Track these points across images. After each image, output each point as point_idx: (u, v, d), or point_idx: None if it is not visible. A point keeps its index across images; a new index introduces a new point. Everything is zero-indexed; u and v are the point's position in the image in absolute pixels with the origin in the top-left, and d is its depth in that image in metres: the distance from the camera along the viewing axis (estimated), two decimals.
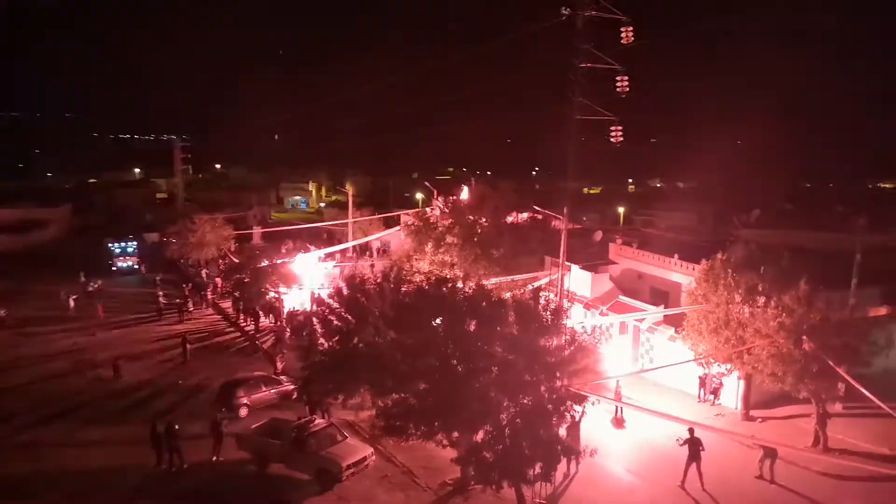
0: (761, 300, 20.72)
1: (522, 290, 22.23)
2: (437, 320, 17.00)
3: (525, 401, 15.78)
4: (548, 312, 16.63)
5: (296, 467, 19.10)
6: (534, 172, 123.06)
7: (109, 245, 53.56)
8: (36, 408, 24.16)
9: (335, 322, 19.88)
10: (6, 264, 50.50)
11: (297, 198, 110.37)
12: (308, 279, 35.70)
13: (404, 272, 22.58)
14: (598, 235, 39.62)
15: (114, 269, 51.53)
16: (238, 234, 53.13)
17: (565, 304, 21.94)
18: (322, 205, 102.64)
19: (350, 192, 49.93)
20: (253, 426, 20.76)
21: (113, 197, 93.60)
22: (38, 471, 19.36)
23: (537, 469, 15.18)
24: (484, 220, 35.52)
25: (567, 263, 28.57)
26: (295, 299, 35.34)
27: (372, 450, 19.76)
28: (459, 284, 17.98)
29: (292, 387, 24.46)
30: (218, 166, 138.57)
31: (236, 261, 41.86)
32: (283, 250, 45.68)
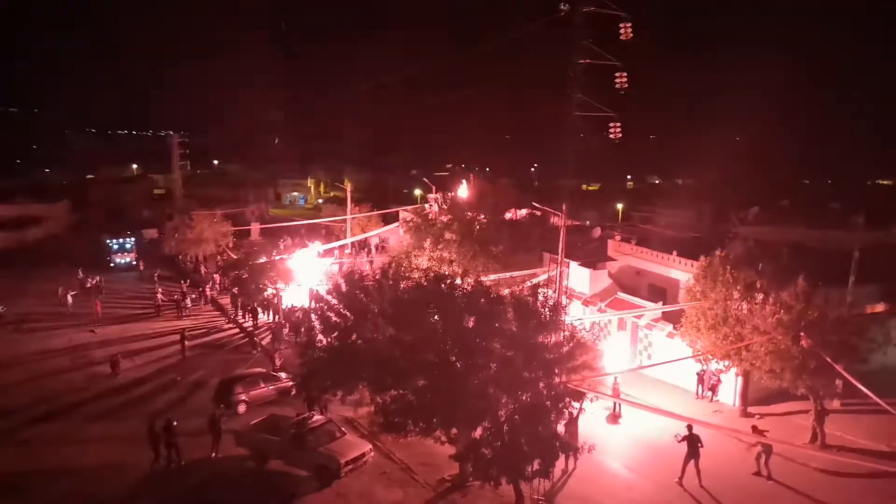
0: (759, 297, 20.75)
1: (521, 287, 22.23)
2: (436, 317, 16.99)
3: (523, 397, 15.80)
4: (546, 309, 16.64)
5: (294, 464, 19.11)
6: (532, 169, 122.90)
7: (107, 241, 53.46)
8: (34, 404, 24.15)
9: (333, 318, 19.86)
10: (4, 261, 50.41)
11: (296, 194, 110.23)
12: (306, 275, 35.63)
13: (403, 268, 22.55)
14: (597, 232, 39.64)
15: (112, 265, 51.46)
16: (236, 231, 53.05)
17: (564, 300, 21.96)
18: (320, 201, 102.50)
19: (348, 189, 49.76)
20: (251, 423, 20.78)
21: (110, 193, 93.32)
22: (36, 468, 19.35)
23: (536, 465, 15.21)
24: (483, 216, 35.52)
25: (566, 260, 28.56)
26: (293, 296, 35.30)
27: (370, 446, 19.78)
28: (458, 281, 17.97)
29: (291, 383, 24.46)
30: (216, 162, 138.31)
31: (234, 257, 41.80)
32: (281, 246, 45.59)
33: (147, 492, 18.34)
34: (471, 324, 16.46)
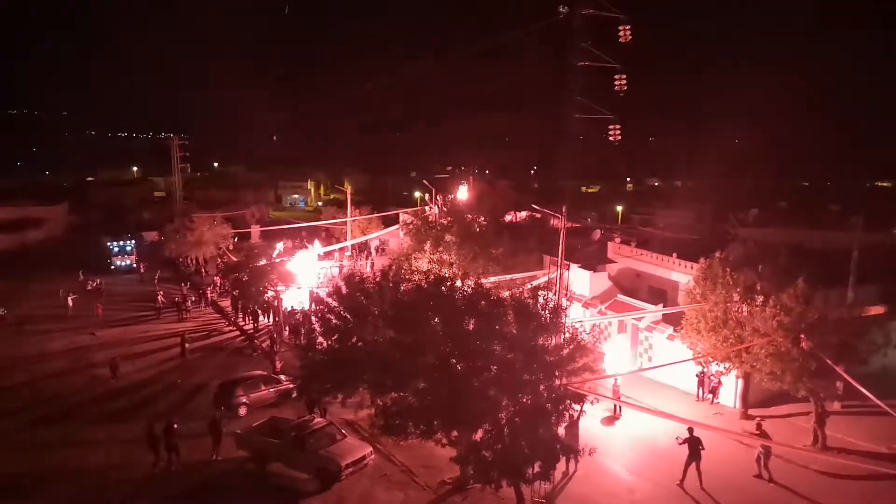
0: (759, 299, 20.76)
1: (521, 289, 22.24)
2: (436, 319, 17.00)
3: (524, 400, 15.79)
4: (546, 311, 16.65)
5: (295, 466, 19.10)
6: (532, 171, 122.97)
7: (108, 243, 53.48)
8: (34, 407, 24.17)
9: (334, 321, 19.88)
10: (4, 263, 50.44)
11: (296, 196, 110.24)
12: (306, 277, 35.66)
13: (403, 271, 22.59)
14: (597, 234, 39.65)
15: (112, 267, 51.47)
16: (237, 233, 53.09)
17: (564, 302, 21.95)
18: (319, 203, 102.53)
19: (348, 191, 49.80)
20: (252, 425, 20.78)
21: (111, 195, 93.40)
22: (35, 470, 19.34)
23: (536, 468, 15.20)
24: (482, 218, 35.55)
25: (566, 262, 28.58)
26: (294, 298, 35.32)
27: (371, 449, 19.77)
28: (458, 283, 17.99)
29: (291, 386, 24.46)
30: (216, 164, 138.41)
31: (234, 259, 41.83)
32: (282, 248, 45.64)
33: (147, 494, 18.31)
34: (471, 326, 16.46)
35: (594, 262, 33.46)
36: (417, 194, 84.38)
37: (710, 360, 22.91)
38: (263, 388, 24.77)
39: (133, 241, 54.61)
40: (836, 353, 19.36)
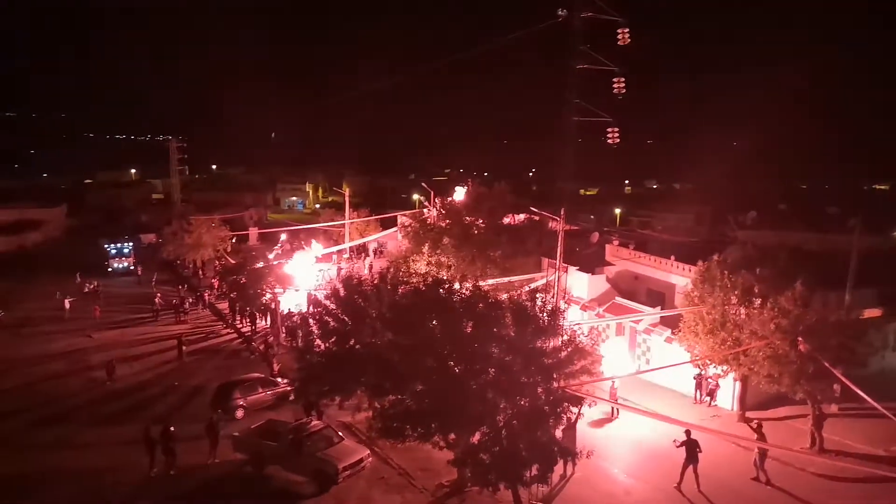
0: (757, 301, 20.77)
1: (519, 292, 22.23)
2: (434, 322, 16.99)
3: (522, 402, 15.79)
4: (544, 314, 16.64)
5: (292, 469, 19.06)
6: (531, 173, 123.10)
7: (105, 246, 53.39)
8: (31, 409, 24.11)
9: (332, 323, 19.86)
10: (2, 265, 50.36)
11: (294, 198, 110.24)
12: (304, 280, 35.62)
13: (401, 273, 22.57)
14: (595, 237, 39.63)
15: (109, 269, 51.36)
16: (235, 235, 53.01)
17: (562, 305, 21.96)
18: (317, 206, 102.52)
19: (347, 193, 49.76)
20: (249, 428, 20.74)
21: (109, 197, 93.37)
22: (32, 472, 19.28)
23: (534, 471, 15.18)
24: (481, 221, 35.54)
25: (564, 264, 28.58)
26: (291, 300, 35.27)
27: (368, 451, 19.74)
28: (456, 286, 17.98)
29: (289, 388, 24.41)
30: (214, 167, 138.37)
31: (232, 262, 41.75)
32: (280, 250, 45.59)
33: (144, 497, 18.27)
34: (469, 329, 16.46)
35: (592, 264, 33.46)
36: (416, 196, 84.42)
37: (708, 362, 22.92)
38: (261, 390, 24.74)
39: (130, 244, 54.50)
40: (833, 356, 19.37)
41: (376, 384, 17.57)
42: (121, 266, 52.18)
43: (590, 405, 17.89)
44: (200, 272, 50.07)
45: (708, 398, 25.05)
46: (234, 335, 35.37)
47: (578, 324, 21.89)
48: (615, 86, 46.44)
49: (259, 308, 35.85)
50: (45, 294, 41.22)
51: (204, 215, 52.55)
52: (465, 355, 16.09)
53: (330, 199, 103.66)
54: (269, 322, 35.74)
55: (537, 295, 17.62)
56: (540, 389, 16.00)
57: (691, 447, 18.30)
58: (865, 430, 21.44)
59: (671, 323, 25.98)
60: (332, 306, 20.29)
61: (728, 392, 24.44)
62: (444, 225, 35.02)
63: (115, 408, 24.41)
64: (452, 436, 16.44)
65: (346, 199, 48.64)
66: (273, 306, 34.87)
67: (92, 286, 43.28)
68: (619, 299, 30.83)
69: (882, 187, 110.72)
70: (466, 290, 17.66)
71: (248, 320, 36.28)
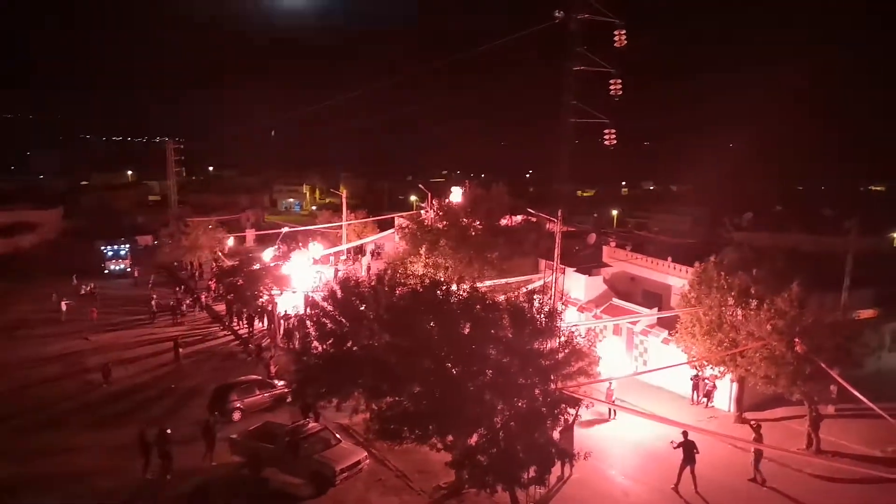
0: (754, 303, 20.81)
1: (516, 293, 22.24)
2: (432, 323, 16.99)
3: (519, 404, 15.79)
4: (542, 315, 16.65)
5: (289, 471, 19.03)
6: (528, 175, 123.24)
7: (101, 248, 53.27)
8: (27, 412, 24.02)
9: (329, 325, 19.83)
10: None
11: (291, 200, 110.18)
12: (301, 281, 35.58)
13: (399, 275, 22.56)
14: (592, 238, 39.69)
15: (106, 271, 51.25)
16: (232, 237, 52.93)
17: (559, 306, 21.97)
18: (314, 207, 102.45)
19: (344, 195, 49.70)
20: (246, 430, 20.69)
21: (105, 199, 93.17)
22: (28, 476, 19.21)
23: (531, 472, 15.18)
24: (478, 222, 35.53)
25: (561, 266, 28.59)
26: (288, 302, 35.22)
27: (366, 453, 19.72)
28: (454, 287, 17.97)
29: (286, 390, 24.37)
30: (211, 169, 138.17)
31: (228, 263, 41.73)
32: (279, 250, 45.54)
33: (140, 500, 18.22)
34: (467, 330, 16.46)
35: (589, 265, 33.49)
36: (413, 198, 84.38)
37: (705, 363, 22.96)
38: (258, 392, 24.70)
39: (127, 246, 54.40)
40: (830, 357, 19.42)
41: (374, 386, 17.54)
42: (117, 268, 52.09)
43: (587, 407, 17.89)
44: (197, 274, 50.00)
45: (705, 399, 25.08)
46: (232, 337, 35.30)
47: (576, 325, 21.91)
48: (612, 87, 46.51)
49: (256, 310, 35.81)
50: (41, 296, 41.09)
51: (200, 217, 52.50)
52: (463, 357, 16.09)
53: (327, 200, 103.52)
54: (266, 324, 35.69)
55: (534, 296, 17.64)
56: (537, 391, 16.01)
57: (688, 448, 18.33)
58: (862, 430, 21.49)
59: (668, 324, 26.02)
60: (330, 308, 20.26)
61: (725, 393, 24.48)
62: (441, 226, 34.99)
63: (111, 411, 24.33)
64: (450, 437, 16.43)
65: (343, 200, 48.59)
66: (270, 308, 34.84)
67: (88, 288, 43.18)
68: (616, 300, 30.87)
69: (878, 188, 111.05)
70: (464, 291, 17.66)
71: (245, 322, 36.22)
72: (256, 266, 36.13)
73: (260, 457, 19.53)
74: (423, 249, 32.64)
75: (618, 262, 33.82)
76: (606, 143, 48.08)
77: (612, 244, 35.56)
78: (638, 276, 32.71)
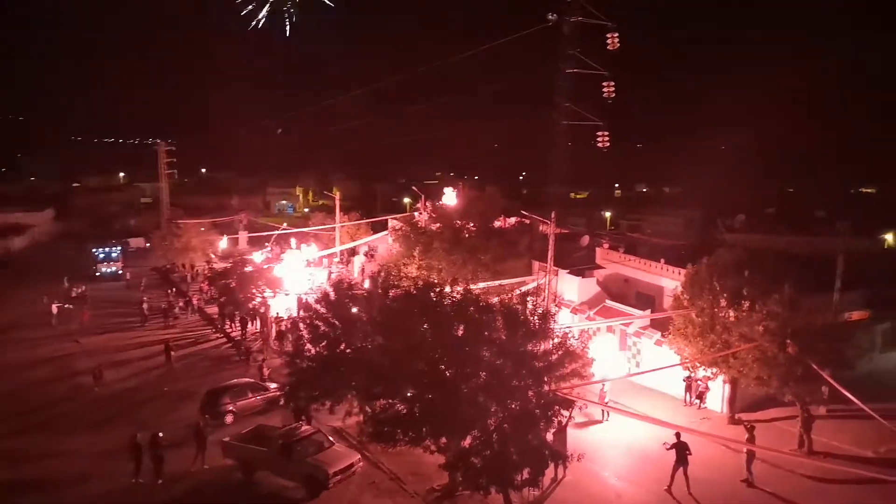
0: (746, 304, 20.89)
1: (510, 295, 22.26)
2: (426, 325, 16.96)
3: (513, 406, 15.78)
4: (535, 317, 16.66)
5: (282, 474, 18.94)
6: (521, 177, 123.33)
7: (93, 250, 52.98)
8: (17, 416, 23.82)
9: (322, 327, 19.78)
10: None
11: (284, 202, 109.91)
12: (294, 283, 35.49)
13: (392, 277, 22.53)
14: (585, 240, 39.78)
15: (97, 274, 50.96)
16: (224, 238, 52.78)
17: (553, 308, 22.01)
18: (307, 210, 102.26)
19: (337, 197, 49.67)
20: (239, 433, 20.60)
21: (96, 201, 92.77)
22: (18, 480, 19.07)
23: (525, 474, 15.17)
24: (471, 224, 35.57)
25: (554, 268, 28.69)
26: (281, 304, 35.11)
27: (359, 456, 19.65)
28: (447, 289, 17.96)
29: (279, 393, 24.28)
30: (204, 170, 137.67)
31: (220, 266, 41.57)
32: (270, 251, 45.39)
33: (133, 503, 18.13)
34: (460, 332, 16.44)
35: (583, 268, 33.56)
36: (406, 200, 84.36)
37: (698, 365, 23.03)
38: (251, 395, 24.60)
39: (119, 248, 54.12)
40: (821, 358, 19.50)
41: (367, 388, 17.50)
42: (109, 271, 51.78)
43: (580, 409, 17.90)
44: (189, 276, 49.79)
45: (697, 400, 25.15)
46: (224, 340, 35.15)
47: (569, 327, 21.95)
48: (605, 90, 46.63)
49: (248, 312, 35.67)
50: (32, 299, 40.81)
51: (193, 219, 52.34)
52: (456, 359, 16.07)
53: (320, 202, 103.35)
54: (258, 326, 35.55)
55: (528, 298, 17.65)
56: (531, 393, 16.00)
57: (681, 450, 18.35)
58: (853, 431, 21.58)
59: (661, 326, 26.08)
60: (323, 310, 20.21)
61: (717, 394, 24.55)
62: (434, 228, 35.00)
63: (103, 414, 24.18)
64: (444, 440, 16.40)
65: (337, 202, 48.56)
66: (263, 310, 34.72)
67: (80, 291, 42.93)
68: (609, 302, 30.93)
69: (869, 190, 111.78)
70: (457, 293, 17.65)
71: (238, 325, 36.07)
72: (249, 269, 35.91)
73: (253, 460, 19.43)
74: (417, 251, 32.65)
75: (611, 264, 33.91)
76: (600, 145, 48.18)
77: (606, 246, 35.66)
78: (631, 277, 32.80)
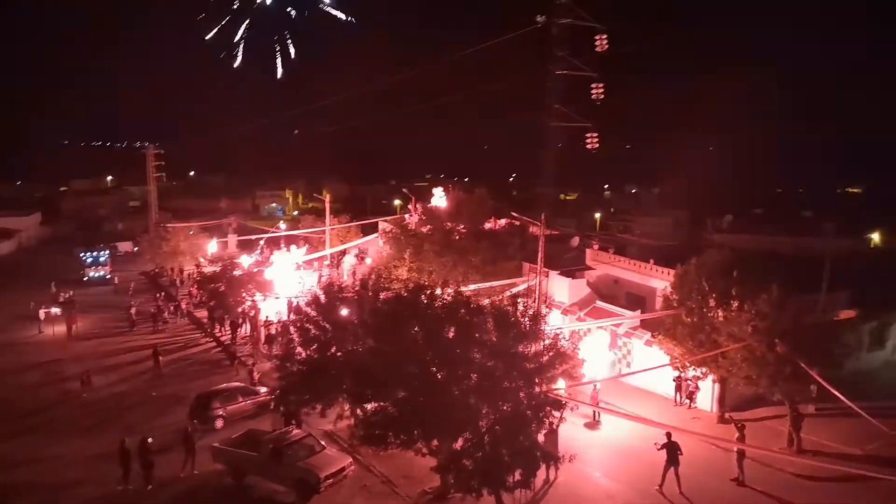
0: (735, 305, 21.03)
1: (501, 297, 22.27)
2: (416, 328, 16.95)
3: (504, 407, 15.80)
4: (526, 319, 16.69)
5: (273, 479, 18.85)
6: (511, 179, 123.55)
7: (81, 254, 52.52)
8: (4, 421, 23.56)
9: (313, 331, 19.72)
10: None
11: (274, 205, 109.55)
12: (284, 287, 35.35)
13: (383, 279, 22.50)
14: (575, 241, 39.89)
15: (85, 278, 50.52)
16: (213, 242, 52.48)
17: (543, 309, 22.05)
18: (296, 212, 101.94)
19: (327, 200, 49.50)
20: (229, 438, 20.48)
21: (84, 205, 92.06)
22: (5, 486, 18.86)
23: (517, 476, 15.19)
24: (462, 226, 35.58)
25: (545, 269, 28.69)
26: (271, 307, 34.96)
27: (350, 460, 19.58)
28: (438, 291, 17.96)
29: (269, 397, 24.16)
30: (192, 173, 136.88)
31: (209, 270, 41.36)
32: (260, 253, 45.26)
33: None
34: (451, 334, 16.44)
35: (573, 269, 33.63)
36: (397, 202, 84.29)
37: (688, 364, 23.14)
38: (241, 399, 24.44)
39: (107, 252, 53.68)
40: (810, 357, 19.65)
41: (358, 391, 17.46)
42: (97, 275, 51.34)
43: (572, 409, 17.94)
44: (178, 280, 49.48)
45: (687, 400, 25.27)
46: (213, 344, 34.94)
47: (560, 328, 22.00)
48: (594, 91, 46.84)
49: (238, 316, 35.48)
50: (19, 304, 40.40)
51: (182, 223, 52.02)
52: (447, 361, 16.07)
53: (310, 205, 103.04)
54: (248, 330, 35.37)
55: (519, 300, 17.69)
56: (522, 394, 16.02)
57: (672, 449, 18.43)
58: (842, 429, 21.74)
59: (651, 326, 26.19)
60: (313, 313, 20.15)
61: (707, 394, 24.67)
62: (425, 231, 34.98)
63: (91, 419, 23.98)
64: (435, 442, 16.38)
65: (327, 204, 48.40)
66: (253, 314, 34.54)
67: (67, 296, 42.53)
68: (599, 303, 31.01)
69: (855, 190, 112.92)
70: (448, 295, 17.65)
71: (227, 329, 35.86)
72: (238, 272, 35.74)
73: (243, 465, 19.32)
74: (407, 254, 32.61)
75: (601, 265, 34.01)
76: (589, 146, 48.38)
77: (596, 247, 35.76)
78: (621, 278, 32.91)
